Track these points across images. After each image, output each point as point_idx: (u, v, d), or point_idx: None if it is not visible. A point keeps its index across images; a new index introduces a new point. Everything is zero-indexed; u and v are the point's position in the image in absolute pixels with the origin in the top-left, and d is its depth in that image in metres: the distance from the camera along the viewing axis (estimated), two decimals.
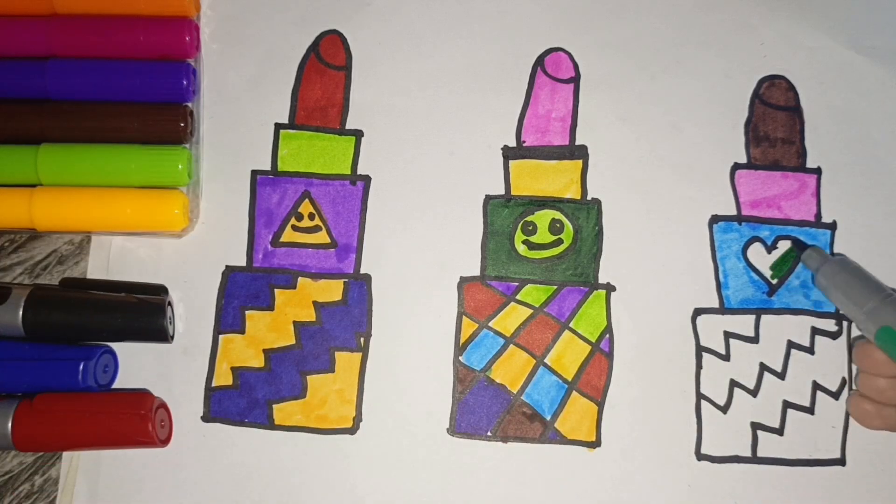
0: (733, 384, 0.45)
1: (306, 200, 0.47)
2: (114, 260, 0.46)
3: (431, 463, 0.45)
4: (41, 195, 0.44)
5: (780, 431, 0.45)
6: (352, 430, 0.45)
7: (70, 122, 0.45)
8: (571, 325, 0.46)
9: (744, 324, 0.46)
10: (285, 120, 0.48)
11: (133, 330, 0.44)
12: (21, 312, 0.43)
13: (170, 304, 0.45)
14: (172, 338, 0.45)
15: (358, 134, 0.48)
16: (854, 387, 0.45)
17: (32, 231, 0.45)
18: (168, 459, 0.45)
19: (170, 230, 0.45)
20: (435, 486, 0.45)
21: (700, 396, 0.45)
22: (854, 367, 0.45)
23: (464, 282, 0.46)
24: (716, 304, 0.46)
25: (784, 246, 0.46)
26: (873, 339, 0.42)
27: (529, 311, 0.46)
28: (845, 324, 0.46)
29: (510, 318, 0.46)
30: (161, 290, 0.46)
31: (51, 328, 0.43)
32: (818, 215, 0.47)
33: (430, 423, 0.45)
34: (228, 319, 0.46)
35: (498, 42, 0.48)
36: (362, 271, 0.46)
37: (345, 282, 0.46)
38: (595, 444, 0.45)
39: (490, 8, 0.48)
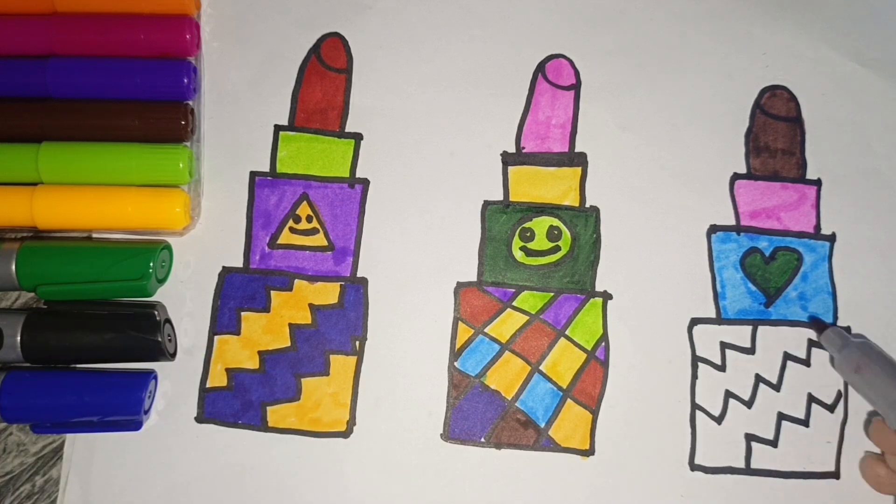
0: (728, 395, 0.45)
1: (304, 202, 0.47)
2: None
3: (425, 468, 0.45)
4: (42, 194, 0.44)
5: (774, 443, 0.45)
6: (345, 434, 0.45)
7: (71, 121, 0.45)
8: (567, 332, 0.46)
9: (740, 334, 0.46)
10: (285, 121, 0.48)
11: (133, 356, 0.44)
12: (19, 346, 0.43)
13: (167, 321, 0.45)
14: (174, 355, 0.45)
15: (357, 137, 0.47)
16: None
17: (34, 229, 0.46)
18: (161, 460, 0.45)
19: (171, 229, 0.45)
20: (428, 492, 0.45)
21: (695, 406, 0.45)
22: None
23: (460, 287, 0.46)
24: (713, 314, 0.46)
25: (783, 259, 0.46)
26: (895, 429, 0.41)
27: (525, 318, 0.46)
28: None
29: (506, 325, 0.46)
30: (152, 316, 0.44)
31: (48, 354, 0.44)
32: (817, 227, 0.46)
33: (424, 429, 0.45)
34: (224, 320, 0.46)
35: (499, 47, 0.48)
36: (359, 274, 0.46)
37: (341, 285, 0.46)
38: (589, 452, 0.45)
39: (492, 13, 0.48)
